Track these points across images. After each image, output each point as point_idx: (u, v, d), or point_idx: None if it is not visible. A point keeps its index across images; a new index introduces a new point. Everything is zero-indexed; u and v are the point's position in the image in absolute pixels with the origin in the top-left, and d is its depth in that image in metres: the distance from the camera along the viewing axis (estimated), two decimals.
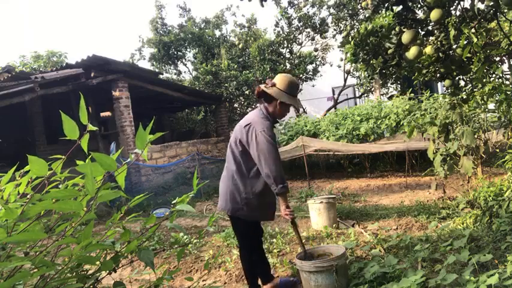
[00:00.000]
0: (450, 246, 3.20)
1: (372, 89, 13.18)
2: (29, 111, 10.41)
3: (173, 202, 1.57)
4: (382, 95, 12.66)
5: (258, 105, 3.15)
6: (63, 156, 1.31)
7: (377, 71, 3.32)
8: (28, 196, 1.27)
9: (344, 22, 12.62)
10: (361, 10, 11.56)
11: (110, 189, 1.31)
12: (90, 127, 1.24)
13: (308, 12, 12.84)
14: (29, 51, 22.81)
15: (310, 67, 13.36)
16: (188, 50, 15.51)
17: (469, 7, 2.79)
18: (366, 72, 3.49)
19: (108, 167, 1.21)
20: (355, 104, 14.05)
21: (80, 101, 1.26)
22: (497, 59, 3.66)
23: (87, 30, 42.23)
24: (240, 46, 12.99)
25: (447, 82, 3.16)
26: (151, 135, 1.31)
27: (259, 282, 3.20)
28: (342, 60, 13.41)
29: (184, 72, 16.28)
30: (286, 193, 2.88)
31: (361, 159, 8.86)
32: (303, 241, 4.23)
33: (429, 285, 2.52)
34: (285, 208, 2.88)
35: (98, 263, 1.36)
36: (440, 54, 2.94)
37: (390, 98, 11.44)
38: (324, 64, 13.94)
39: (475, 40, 2.95)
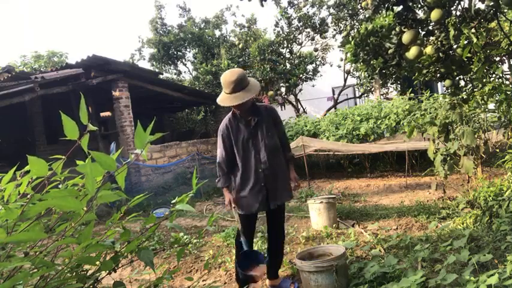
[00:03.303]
0: (450, 246, 3.20)
1: (372, 89, 13.19)
2: (29, 111, 10.41)
3: (173, 202, 1.57)
4: (382, 95, 12.67)
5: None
6: (63, 156, 1.31)
7: (377, 71, 3.32)
8: (28, 196, 1.27)
9: (344, 22, 12.63)
10: (361, 10, 11.56)
11: (110, 190, 1.31)
12: (91, 127, 1.23)
13: (308, 12, 12.85)
14: (30, 51, 22.85)
15: (310, 67, 13.36)
16: (188, 50, 15.52)
17: (468, 6, 2.79)
18: (366, 72, 3.49)
19: (108, 166, 1.21)
20: (355, 104, 14.05)
21: (80, 101, 1.26)
22: (497, 59, 3.66)
23: (87, 30, 42.26)
24: (240, 46, 13.00)
25: (447, 82, 3.16)
26: (151, 135, 1.31)
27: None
28: (342, 60, 13.42)
29: (184, 72, 16.30)
30: (223, 188, 3.16)
31: (361, 159, 8.86)
32: (303, 241, 4.24)
33: (429, 285, 2.52)
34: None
35: (97, 263, 1.36)
36: (440, 54, 2.94)
37: (387, 99, 11.46)
38: (324, 64, 13.94)
39: (475, 40, 2.95)
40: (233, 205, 3.12)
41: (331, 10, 12.74)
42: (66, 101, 8.76)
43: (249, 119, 3.09)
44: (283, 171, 3.20)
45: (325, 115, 11.16)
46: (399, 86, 12.29)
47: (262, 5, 3.22)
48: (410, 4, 2.80)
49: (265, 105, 3.30)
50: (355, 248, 3.76)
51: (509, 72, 3.97)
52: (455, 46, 3.03)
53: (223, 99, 2.97)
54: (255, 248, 3.95)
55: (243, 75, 2.93)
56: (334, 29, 13.10)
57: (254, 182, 3.06)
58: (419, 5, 2.94)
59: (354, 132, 8.46)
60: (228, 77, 2.91)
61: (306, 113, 14.20)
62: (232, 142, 3.09)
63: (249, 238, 3.24)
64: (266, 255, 3.40)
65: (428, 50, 2.88)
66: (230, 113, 3.14)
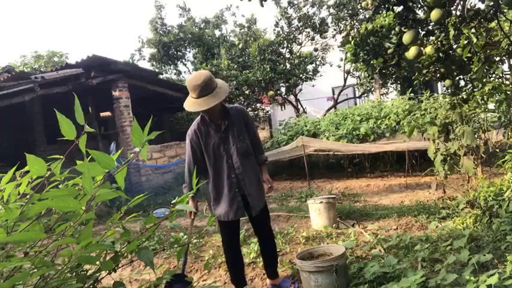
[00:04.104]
0: (450, 246, 3.20)
1: (372, 89, 13.18)
2: (29, 111, 10.40)
3: (173, 202, 1.57)
4: (382, 95, 12.67)
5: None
6: (62, 157, 1.31)
7: (377, 71, 3.32)
8: (28, 196, 1.27)
9: (344, 22, 12.62)
10: (361, 10, 11.56)
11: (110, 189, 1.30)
12: (87, 128, 1.22)
13: (308, 12, 12.85)
14: (30, 51, 22.86)
15: (310, 67, 13.35)
16: (188, 50, 15.52)
17: (469, 7, 2.79)
18: (366, 72, 3.50)
19: (107, 166, 1.20)
20: (355, 104, 14.05)
21: (80, 101, 1.26)
22: (497, 59, 3.66)
23: (87, 30, 42.26)
24: (240, 46, 12.99)
25: (447, 82, 3.16)
26: (149, 134, 1.30)
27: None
28: (342, 60, 13.42)
29: (184, 72, 16.30)
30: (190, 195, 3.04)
31: (361, 159, 8.86)
32: (303, 241, 4.24)
33: (429, 285, 2.52)
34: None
35: (97, 263, 1.36)
36: (440, 54, 2.94)
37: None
38: (324, 64, 13.94)
39: (475, 40, 2.95)
40: (192, 216, 3.08)
41: (331, 10, 12.74)
42: (66, 101, 8.74)
43: (218, 123, 2.96)
44: (256, 175, 3.11)
45: (325, 115, 11.16)
46: (399, 86, 12.29)
47: (262, 5, 3.22)
48: (411, 4, 2.80)
49: (235, 106, 3.13)
50: (355, 248, 3.76)
51: (509, 72, 3.97)
52: (455, 46, 3.03)
53: (190, 104, 2.79)
54: (255, 247, 3.95)
55: (209, 78, 2.76)
56: (334, 29, 13.10)
57: (228, 188, 2.98)
58: (419, 5, 2.94)
59: (354, 132, 8.45)
60: (193, 80, 2.76)
61: (306, 113, 14.20)
62: (202, 148, 2.97)
63: (235, 246, 3.21)
64: (261, 257, 3.41)
65: (428, 50, 2.88)
66: (199, 117, 3.00)
